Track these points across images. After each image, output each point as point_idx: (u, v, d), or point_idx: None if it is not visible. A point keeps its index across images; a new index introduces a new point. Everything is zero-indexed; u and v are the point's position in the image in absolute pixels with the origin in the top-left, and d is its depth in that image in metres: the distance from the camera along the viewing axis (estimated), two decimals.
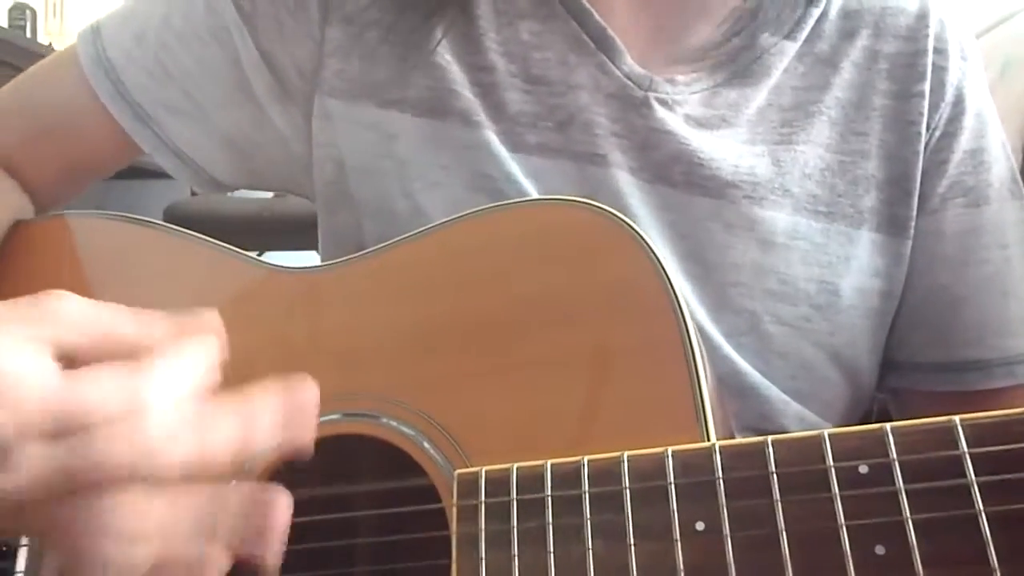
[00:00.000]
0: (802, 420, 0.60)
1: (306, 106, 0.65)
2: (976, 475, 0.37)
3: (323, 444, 0.51)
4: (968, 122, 0.65)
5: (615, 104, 0.62)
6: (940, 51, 0.65)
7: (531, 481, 0.44)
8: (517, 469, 0.44)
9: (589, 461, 0.43)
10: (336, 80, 0.64)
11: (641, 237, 0.48)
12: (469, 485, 0.45)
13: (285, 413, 0.39)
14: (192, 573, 0.37)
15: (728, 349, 0.59)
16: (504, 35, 0.63)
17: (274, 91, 0.65)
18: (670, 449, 0.42)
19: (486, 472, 0.45)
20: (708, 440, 0.43)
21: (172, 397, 0.36)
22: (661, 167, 0.61)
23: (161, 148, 0.68)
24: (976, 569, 0.37)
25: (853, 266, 0.62)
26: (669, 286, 0.47)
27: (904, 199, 0.64)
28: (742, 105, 0.63)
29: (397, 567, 0.51)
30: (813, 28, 0.65)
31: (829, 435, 0.40)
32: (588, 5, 0.63)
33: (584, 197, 0.52)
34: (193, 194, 2.33)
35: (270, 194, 2.37)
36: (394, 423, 0.50)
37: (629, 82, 0.62)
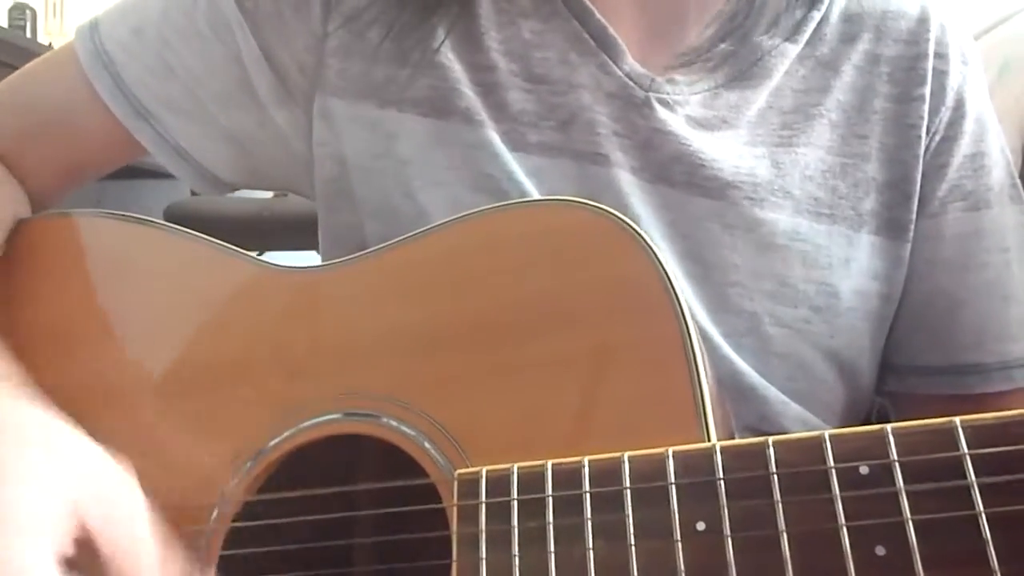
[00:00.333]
0: (801, 421, 0.60)
1: (307, 105, 0.65)
2: (976, 476, 0.37)
3: (324, 444, 0.52)
4: (968, 126, 0.65)
5: (616, 104, 0.62)
6: (941, 55, 0.65)
7: (532, 481, 0.43)
8: (518, 469, 0.44)
9: (590, 461, 0.43)
10: (337, 79, 0.64)
11: (642, 237, 0.48)
12: (470, 485, 0.45)
13: None
14: None
15: (727, 350, 0.59)
16: (505, 34, 0.63)
17: (275, 89, 0.65)
18: (671, 449, 0.42)
19: (487, 472, 0.45)
20: (709, 440, 0.43)
21: None
22: (662, 167, 0.61)
23: (161, 145, 0.68)
24: (976, 570, 0.37)
25: (853, 268, 0.62)
26: (670, 286, 0.47)
27: (904, 202, 0.64)
28: (743, 107, 0.63)
29: (397, 567, 0.51)
30: (814, 31, 0.65)
31: (830, 436, 0.40)
32: (590, 4, 0.63)
33: (585, 196, 0.52)
34: (193, 194, 2.33)
35: (270, 194, 2.37)
36: (395, 423, 0.50)
37: (630, 82, 0.62)
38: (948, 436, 0.38)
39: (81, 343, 0.59)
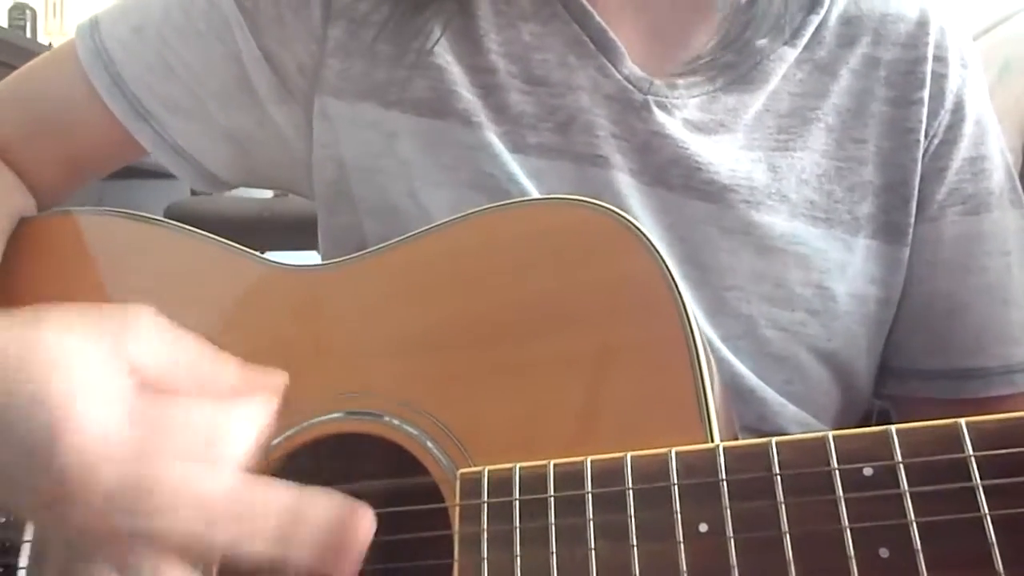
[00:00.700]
0: (799, 422, 0.60)
1: (307, 105, 0.65)
2: (981, 478, 0.37)
3: (325, 443, 0.51)
4: (968, 129, 0.65)
5: (615, 106, 0.62)
6: (940, 58, 0.65)
7: (534, 481, 0.43)
8: (520, 469, 0.44)
9: (592, 461, 0.43)
10: (337, 80, 0.64)
11: (644, 235, 0.48)
12: (472, 485, 0.45)
13: (335, 539, 0.37)
14: None
15: (725, 352, 0.59)
16: (505, 36, 0.63)
17: (275, 89, 0.65)
18: (673, 450, 0.42)
19: (489, 472, 0.44)
20: (712, 440, 0.43)
21: (241, 462, 0.37)
22: (660, 170, 0.61)
23: (160, 145, 0.68)
24: (981, 573, 0.36)
25: (849, 272, 0.62)
26: (672, 284, 0.47)
27: (902, 206, 0.64)
28: (740, 111, 0.63)
29: (399, 566, 0.51)
30: (813, 35, 0.65)
31: (833, 437, 0.40)
32: (589, 7, 0.63)
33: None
34: (193, 194, 2.33)
35: (270, 194, 2.37)
36: (397, 422, 0.49)
37: (629, 85, 0.62)
38: (953, 437, 0.38)
39: None
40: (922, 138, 0.64)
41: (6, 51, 2.06)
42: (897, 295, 0.64)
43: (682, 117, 0.62)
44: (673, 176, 0.61)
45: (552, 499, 0.43)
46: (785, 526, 0.39)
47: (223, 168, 0.70)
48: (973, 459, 0.38)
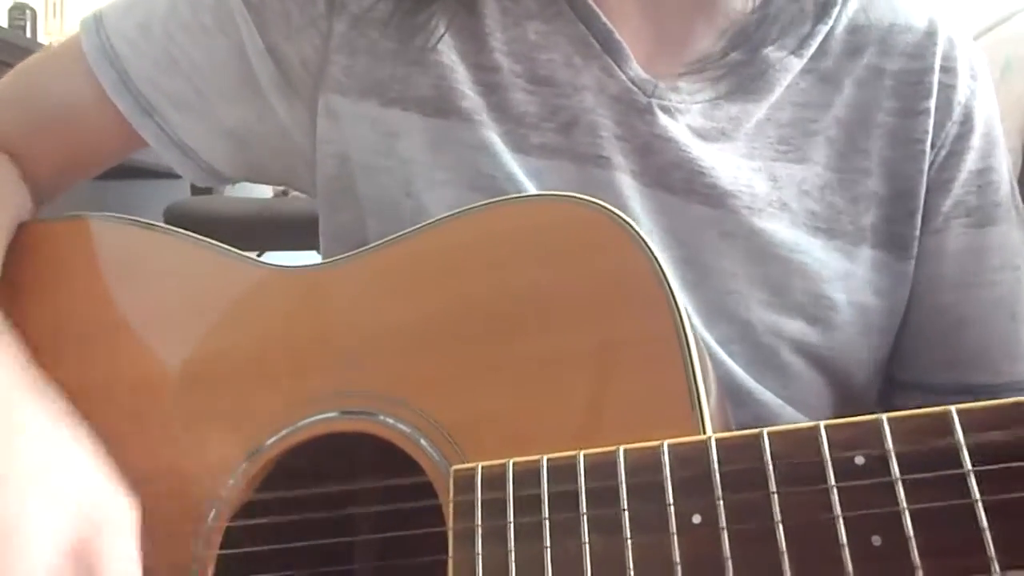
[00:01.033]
0: (796, 423, 0.60)
1: (310, 101, 0.65)
2: (972, 464, 0.37)
3: (320, 442, 0.52)
4: (975, 142, 0.64)
5: (619, 108, 0.62)
6: (948, 69, 0.64)
7: (527, 476, 0.43)
8: (513, 464, 0.44)
9: (585, 456, 0.43)
10: (342, 76, 0.63)
11: (635, 231, 0.48)
12: (465, 481, 0.45)
13: None
14: None
15: (723, 356, 0.59)
16: (510, 35, 0.63)
17: (279, 84, 0.65)
18: (666, 442, 0.42)
19: (482, 468, 0.45)
20: (704, 433, 0.43)
21: None
22: (661, 173, 0.61)
23: (163, 140, 0.68)
24: (973, 559, 0.36)
25: (852, 282, 0.62)
26: (664, 280, 0.47)
27: (906, 218, 0.63)
28: (742, 119, 0.63)
29: (394, 564, 0.51)
30: (820, 45, 0.64)
31: (825, 426, 0.40)
32: (595, 8, 0.62)
33: None
34: (193, 194, 2.33)
35: (270, 194, 2.38)
36: (391, 420, 0.49)
37: (633, 87, 0.62)
38: (944, 424, 0.38)
39: (84, 346, 0.59)
40: (928, 149, 0.63)
41: (6, 51, 2.07)
42: (901, 307, 0.64)
43: (685, 122, 0.62)
44: (675, 179, 0.61)
45: (546, 494, 0.43)
46: (778, 516, 0.39)
47: (225, 163, 0.70)
48: (964, 446, 0.38)
